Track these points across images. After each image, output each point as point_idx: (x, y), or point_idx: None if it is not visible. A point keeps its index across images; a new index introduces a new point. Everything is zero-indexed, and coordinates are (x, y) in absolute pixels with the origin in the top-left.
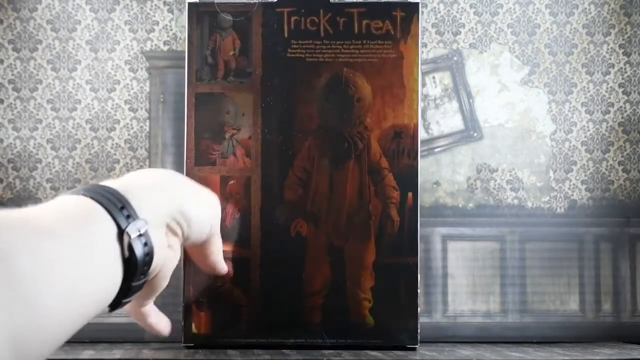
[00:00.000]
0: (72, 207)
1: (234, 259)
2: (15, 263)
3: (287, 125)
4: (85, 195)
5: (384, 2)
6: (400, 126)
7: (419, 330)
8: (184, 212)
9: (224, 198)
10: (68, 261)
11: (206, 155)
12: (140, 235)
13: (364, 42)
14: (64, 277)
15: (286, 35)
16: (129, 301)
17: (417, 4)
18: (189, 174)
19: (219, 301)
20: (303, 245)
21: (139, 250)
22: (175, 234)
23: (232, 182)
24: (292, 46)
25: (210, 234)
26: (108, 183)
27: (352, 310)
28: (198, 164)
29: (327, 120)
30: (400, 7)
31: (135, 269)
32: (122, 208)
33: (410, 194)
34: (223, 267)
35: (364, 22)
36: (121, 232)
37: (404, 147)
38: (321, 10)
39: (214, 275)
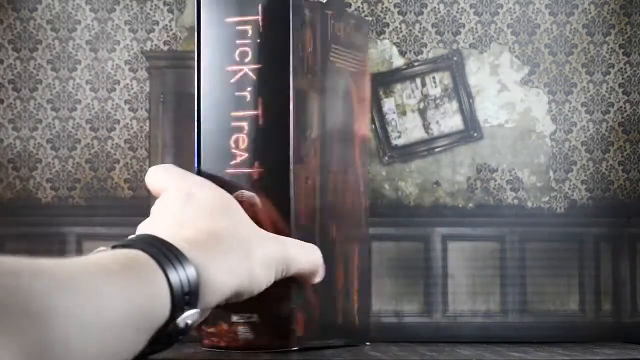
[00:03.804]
0: (140, 275)
1: None
2: (48, 322)
3: None
4: (160, 268)
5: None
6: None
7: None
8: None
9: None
10: (109, 332)
11: None
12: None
13: None
14: (100, 346)
15: None
16: None
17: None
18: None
19: None
20: None
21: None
22: None
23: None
24: None
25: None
26: (189, 245)
27: None
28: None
29: None
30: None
31: (170, 345)
32: (187, 295)
33: None
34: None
35: None
36: (173, 318)
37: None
38: None
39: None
